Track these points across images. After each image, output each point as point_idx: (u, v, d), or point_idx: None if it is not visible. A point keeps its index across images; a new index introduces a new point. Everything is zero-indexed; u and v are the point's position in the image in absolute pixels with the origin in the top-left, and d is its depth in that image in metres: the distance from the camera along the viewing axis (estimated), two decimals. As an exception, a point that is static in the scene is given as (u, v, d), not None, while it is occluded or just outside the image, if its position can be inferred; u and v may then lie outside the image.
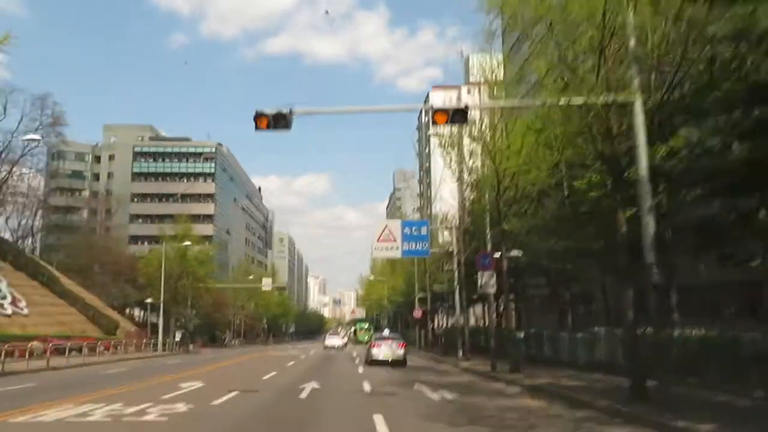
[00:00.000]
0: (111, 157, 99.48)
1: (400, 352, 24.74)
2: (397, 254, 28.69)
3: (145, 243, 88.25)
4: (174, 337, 46.23)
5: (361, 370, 22.41)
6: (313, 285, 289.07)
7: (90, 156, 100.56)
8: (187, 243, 44.56)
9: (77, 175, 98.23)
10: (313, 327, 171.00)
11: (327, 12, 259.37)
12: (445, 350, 33.35)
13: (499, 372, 19.08)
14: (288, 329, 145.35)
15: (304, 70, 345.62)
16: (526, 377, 16.74)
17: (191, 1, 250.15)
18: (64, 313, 41.34)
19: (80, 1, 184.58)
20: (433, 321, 64.49)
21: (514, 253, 21.03)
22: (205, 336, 65.56)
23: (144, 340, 44.38)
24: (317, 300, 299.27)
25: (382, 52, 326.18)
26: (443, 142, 21.10)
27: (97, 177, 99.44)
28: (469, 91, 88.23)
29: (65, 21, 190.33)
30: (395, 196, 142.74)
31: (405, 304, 64.89)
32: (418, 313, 42.26)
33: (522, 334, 25.25)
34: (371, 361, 24.64)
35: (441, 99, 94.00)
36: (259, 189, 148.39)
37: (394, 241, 28.00)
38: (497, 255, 20.83)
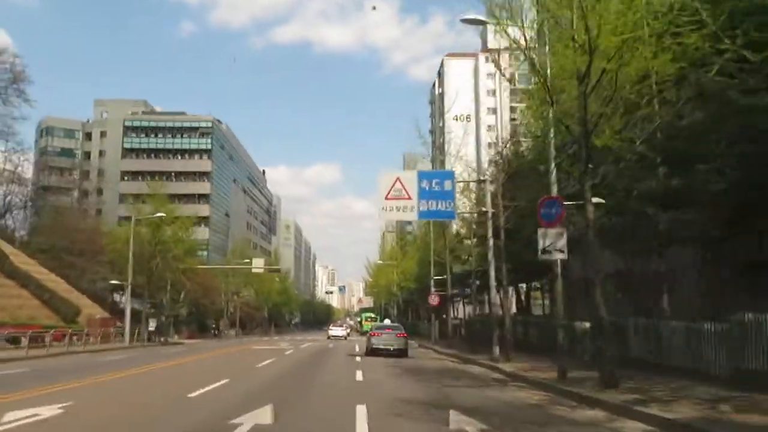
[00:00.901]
0: (102, 134, 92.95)
1: (401, 341, 24.08)
2: (411, 216, 21.47)
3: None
4: (147, 325, 39.43)
5: (359, 375, 15.25)
6: (321, 275, 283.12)
7: (81, 133, 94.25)
8: (160, 214, 37.59)
9: (67, 153, 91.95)
10: (320, 317, 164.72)
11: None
12: (471, 346, 26.07)
13: (574, 384, 11.89)
14: (292, 319, 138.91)
15: (313, 59, 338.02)
16: (640, 399, 9.54)
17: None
18: (9, 295, 34.60)
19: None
20: (448, 311, 57.69)
21: (595, 199, 13.73)
22: (194, 325, 58.82)
23: (111, 329, 37.74)
24: (326, 290, 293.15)
25: (392, 40, 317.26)
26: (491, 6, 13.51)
27: (88, 155, 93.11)
28: (487, 60, 79.52)
29: (75, 10, 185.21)
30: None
31: (417, 291, 57.73)
32: (434, 299, 35.09)
33: (586, 324, 18.03)
34: (371, 351, 23.82)
35: (457, 69, 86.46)
36: (263, 172, 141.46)
37: (408, 198, 20.74)
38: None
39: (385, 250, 76.20)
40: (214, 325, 58.92)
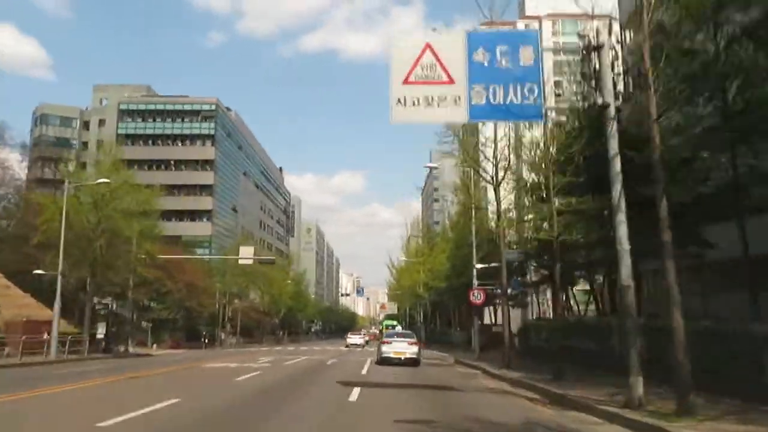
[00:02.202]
0: (101, 122, 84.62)
1: (413, 350, 22.47)
2: (456, 115, 10.93)
3: (131, 219, 73.15)
4: (97, 330, 29.80)
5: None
6: (346, 282, 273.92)
7: (78, 121, 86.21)
8: (104, 180, 28.07)
9: (63, 142, 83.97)
10: (343, 324, 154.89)
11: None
12: (556, 370, 15.26)
13: None
14: (311, 326, 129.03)
15: (339, 67, 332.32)
16: None
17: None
18: None
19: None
20: (482, 317, 47.48)
21: None
22: (183, 332, 49.30)
23: (45, 336, 28.26)
24: (351, 297, 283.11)
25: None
26: None
27: (86, 145, 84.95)
28: (526, 27, 67.79)
29: (105, 20, 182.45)
30: (432, 175, 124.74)
31: (449, 292, 47.22)
32: (478, 296, 24.58)
33: None
34: (381, 359, 22.37)
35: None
36: (281, 169, 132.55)
37: (449, 81, 10.60)
38: None
39: (409, 249, 65.23)
40: (205, 333, 49.23)
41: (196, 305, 45.75)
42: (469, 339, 45.77)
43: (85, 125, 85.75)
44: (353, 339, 52.40)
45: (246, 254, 36.73)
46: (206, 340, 47.49)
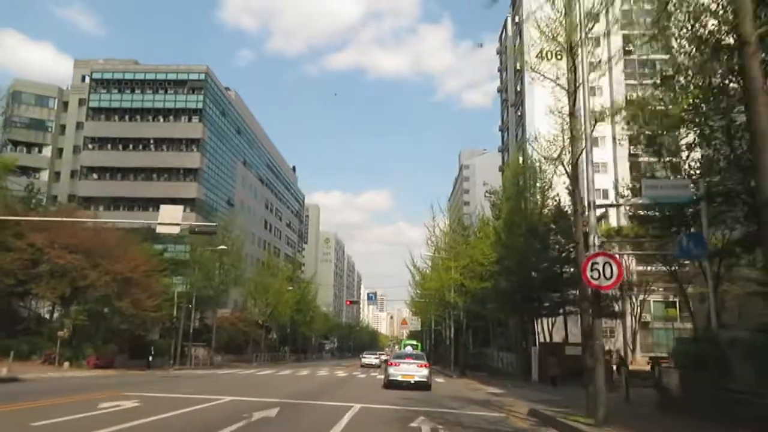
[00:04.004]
0: (81, 102, 72.58)
1: (423, 373, 21.17)
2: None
3: (101, 207, 60.41)
4: None
5: None
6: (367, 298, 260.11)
7: (57, 101, 74.32)
8: None
9: (37, 124, 72.26)
10: (364, 342, 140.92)
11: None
12: None
13: None
14: (325, 344, 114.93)
15: (367, 85, 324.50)
16: None
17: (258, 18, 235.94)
18: None
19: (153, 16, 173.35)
20: (534, 334, 33.65)
21: None
22: (126, 345, 35.60)
23: None
24: (374, 315, 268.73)
25: (446, 65, 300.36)
26: None
27: (63, 129, 72.98)
28: None
29: (138, 39, 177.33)
30: (462, 176, 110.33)
31: (497, 296, 32.70)
32: (608, 274, 10.22)
33: None
34: (388, 383, 20.86)
35: None
36: (294, 168, 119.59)
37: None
38: None
39: (438, 245, 50.14)
40: (152, 347, 35.34)
41: (131, 305, 31.88)
42: (527, 365, 31.25)
43: (65, 106, 74.04)
44: (368, 359, 50.43)
45: (169, 218, 22.87)
46: (151, 358, 33.73)
